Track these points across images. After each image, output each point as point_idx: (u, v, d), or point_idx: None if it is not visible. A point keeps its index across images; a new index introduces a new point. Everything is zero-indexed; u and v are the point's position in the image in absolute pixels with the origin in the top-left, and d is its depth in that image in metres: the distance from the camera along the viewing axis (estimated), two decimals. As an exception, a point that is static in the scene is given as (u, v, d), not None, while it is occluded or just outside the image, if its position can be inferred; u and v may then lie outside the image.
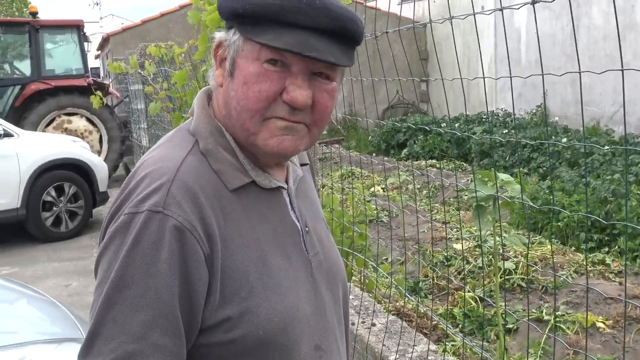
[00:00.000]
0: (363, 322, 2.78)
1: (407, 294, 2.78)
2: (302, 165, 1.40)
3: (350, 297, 3.05)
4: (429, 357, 2.42)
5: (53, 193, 7.89)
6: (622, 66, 1.15)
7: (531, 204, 2.06)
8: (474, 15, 1.79)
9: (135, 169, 1.18)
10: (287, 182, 1.29)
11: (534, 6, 1.31)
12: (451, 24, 1.88)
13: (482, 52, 13.82)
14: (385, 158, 10.49)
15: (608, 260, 4.99)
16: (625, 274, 2.13)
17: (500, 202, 2.96)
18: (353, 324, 2.81)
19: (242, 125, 1.15)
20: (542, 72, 1.47)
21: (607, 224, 1.68)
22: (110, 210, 1.14)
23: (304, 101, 1.12)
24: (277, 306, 1.14)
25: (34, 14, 11.13)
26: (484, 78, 1.70)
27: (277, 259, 1.18)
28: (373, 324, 2.75)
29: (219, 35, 1.22)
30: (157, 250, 1.04)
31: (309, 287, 1.23)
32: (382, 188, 7.90)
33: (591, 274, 4.73)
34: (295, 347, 1.17)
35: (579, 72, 1.19)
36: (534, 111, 11.98)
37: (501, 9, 1.68)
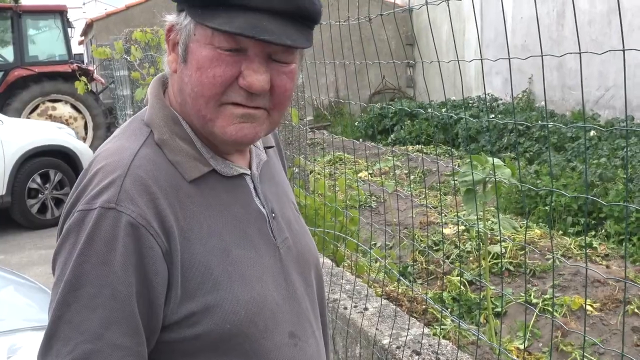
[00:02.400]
0: (355, 307, 2.79)
1: (401, 279, 2.78)
2: (267, 148, 1.36)
3: (342, 281, 3.05)
4: (423, 341, 2.43)
5: (38, 180, 7.83)
6: (623, 47, 1.14)
7: (530, 186, 2.07)
8: (448, 1, 1.77)
9: (89, 162, 1.14)
10: (250, 167, 1.25)
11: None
12: (427, 12, 1.87)
13: (469, 37, 13.82)
14: (372, 144, 10.49)
15: (595, 244, 5.03)
16: (625, 258, 2.13)
17: (490, 186, 2.98)
18: (345, 308, 2.81)
19: (198, 112, 1.11)
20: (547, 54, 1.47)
21: (608, 205, 1.69)
22: (65, 205, 1.11)
23: (260, 86, 1.08)
24: (242, 297, 1.11)
25: (16, 0, 10.98)
26: (454, 61, 1.69)
27: (241, 249, 1.15)
28: (365, 308, 2.75)
29: (170, 18, 1.17)
30: (111, 248, 1.01)
31: (277, 274, 1.20)
32: (369, 173, 7.91)
33: (578, 258, 4.76)
34: (267, 336, 1.15)
35: (579, 53, 1.18)
36: (520, 96, 12.01)
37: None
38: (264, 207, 1.23)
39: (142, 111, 1.23)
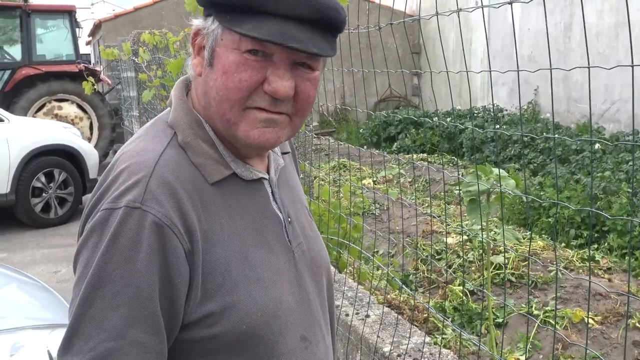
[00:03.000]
0: (357, 314, 2.79)
1: (403, 286, 2.78)
2: (283, 153, 1.38)
3: (345, 288, 3.05)
4: (424, 349, 2.43)
5: (43, 179, 7.85)
6: (632, 62, 1.15)
7: (535, 197, 2.07)
8: (458, 12, 1.78)
9: (112, 162, 1.15)
10: (268, 172, 1.27)
11: (543, 4, 1.31)
12: (437, 21, 1.88)
13: (476, 46, 13.84)
14: (377, 151, 10.50)
15: (598, 257, 5.02)
16: (629, 271, 2.14)
17: (494, 196, 2.98)
18: (347, 315, 2.81)
19: (222, 115, 1.13)
20: (553, 67, 1.47)
21: (612, 218, 1.68)
22: (87, 205, 1.11)
23: (285, 92, 1.09)
24: (259, 300, 1.12)
25: (25, -1, 11.03)
26: (458, 71, 1.70)
27: (259, 252, 1.16)
28: (367, 316, 2.75)
29: (197, 22, 1.18)
30: (136, 247, 1.02)
31: (292, 278, 1.22)
32: (373, 181, 7.91)
33: (580, 270, 4.76)
34: (280, 339, 1.16)
35: (588, 67, 1.19)
36: (525, 107, 12.01)
37: (482, 7, 1.68)
38: (280, 212, 1.25)
39: (164, 113, 1.24)
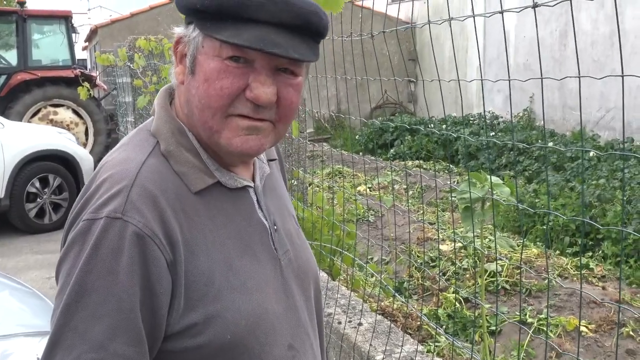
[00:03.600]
0: (350, 322, 2.78)
1: (396, 294, 2.78)
2: (270, 160, 1.37)
3: (337, 295, 3.04)
4: (417, 358, 2.42)
5: (37, 184, 7.82)
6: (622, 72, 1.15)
7: (528, 207, 2.07)
8: (450, 21, 1.78)
9: (95, 172, 1.14)
10: (253, 180, 1.26)
11: (535, 10, 1.32)
12: (430, 30, 1.88)
13: (471, 55, 13.87)
14: (372, 158, 10.50)
15: (592, 265, 5.03)
16: (620, 280, 2.14)
17: (488, 204, 2.98)
18: (340, 322, 2.80)
19: (205, 123, 1.12)
20: (561, 76, 1.47)
21: (605, 228, 1.68)
22: (70, 214, 1.11)
23: (267, 99, 1.08)
24: (243, 308, 1.11)
25: (22, 4, 11.02)
26: (458, 80, 1.70)
27: (243, 260, 1.15)
28: (360, 324, 2.74)
29: (178, 31, 1.18)
30: (117, 258, 1.01)
31: (278, 287, 1.21)
32: (368, 187, 7.91)
33: (574, 278, 4.76)
34: (266, 348, 1.15)
35: (579, 77, 1.19)
36: (520, 114, 12.04)
37: (473, 16, 1.68)
38: (266, 220, 1.24)
39: (148, 121, 1.23)
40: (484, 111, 3.01)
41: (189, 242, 1.09)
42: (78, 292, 1.01)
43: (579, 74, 1.21)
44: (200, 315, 1.08)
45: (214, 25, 1.07)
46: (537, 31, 1.29)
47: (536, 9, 1.42)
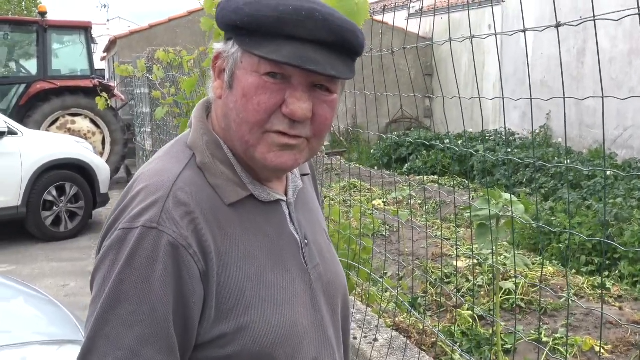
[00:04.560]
0: (365, 337, 2.77)
1: (412, 311, 2.76)
2: (303, 175, 1.38)
3: (353, 310, 3.03)
4: (432, 375, 2.41)
5: (54, 192, 7.88)
6: None
7: (545, 225, 2.06)
8: (471, 38, 1.79)
9: (132, 182, 1.17)
10: (286, 194, 1.27)
11: (558, 30, 1.32)
12: (450, 46, 1.88)
13: (489, 70, 13.85)
14: (387, 172, 10.49)
15: (608, 285, 4.98)
16: None
17: (503, 221, 2.96)
18: (355, 338, 2.79)
19: (242, 137, 1.13)
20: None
21: (625, 250, 1.67)
22: (106, 223, 1.13)
23: (303, 114, 1.09)
24: (273, 321, 1.12)
25: (43, 14, 11.14)
26: (479, 98, 1.70)
27: (274, 273, 1.16)
28: (375, 339, 2.73)
29: (217, 46, 1.20)
30: (152, 267, 1.03)
31: (307, 300, 1.22)
32: (383, 202, 7.90)
33: (591, 298, 4.72)
34: None
35: (602, 97, 1.19)
36: (537, 131, 11.99)
37: (495, 34, 1.68)
38: (297, 234, 1.25)
39: (185, 134, 1.25)
40: (505, 129, 3.00)
41: (221, 253, 1.10)
42: (112, 300, 1.02)
43: (602, 93, 1.20)
44: (230, 326, 1.09)
45: (253, 41, 1.09)
46: (559, 51, 1.29)
47: (553, 23, 1.42)
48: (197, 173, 1.15)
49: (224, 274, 1.10)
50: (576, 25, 1.23)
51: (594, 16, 1.26)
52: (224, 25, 1.15)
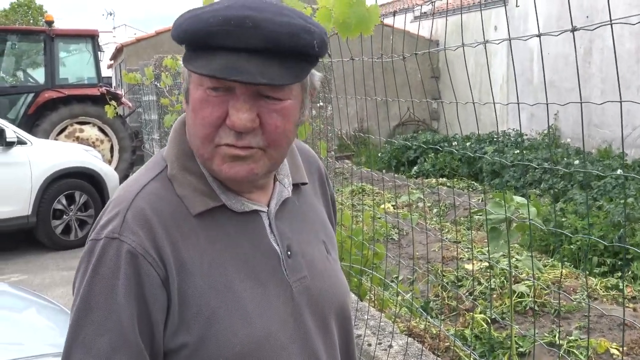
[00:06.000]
0: (380, 344, 2.75)
1: (427, 317, 2.75)
2: (302, 184, 1.34)
3: (367, 317, 3.02)
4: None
5: (64, 201, 7.89)
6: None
7: (559, 230, 2.05)
8: (485, 43, 1.77)
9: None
10: (269, 204, 1.25)
11: (573, 34, 1.30)
12: (464, 52, 1.87)
13: (495, 71, 13.82)
14: (396, 175, 10.47)
15: (622, 286, 4.94)
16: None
17: (514, 224, 2.95)
18: (370, 345, 2.78)
19: (197, 151, 1.15)
20: (582, 100, 1.45)
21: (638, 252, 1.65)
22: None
23: (242, 125, 1.08)
24: (240, 332, 1.11)
25: (49, 23, 11.20)
26: (494, 103, 1.69)
27: (245, 284, 1.15)
28: (390, 346, 2.72)
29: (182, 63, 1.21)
30: (115, 276, 1.07)
31: (286, 313, 1.19)
32: (392, 205, 7.88)
33: (604, 299, 4.69)
34: None
35: (620, 102, 1.17)
36: (545, 132, 11.95)
37: (509, 39, 1.67)
38: (278, 245, 1.22)
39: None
40: (519, 131, 2.98)
41: (184, 261, 1.12)
42: (83, 309, 1.07)
43: (620, 98, 1.19)
44: (193, 337, 1.10)
45: (191, 55, 1.09)
46: (575, 55, 1.27)
47: (559, 24, 1.41)
48: (165, 184, 1.18)
49: (187, 283, 1.11)
50: (593, 29, 1.22)
51: (610, 20, 1.25)
52: (175, 41, 1.16)
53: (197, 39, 1.07)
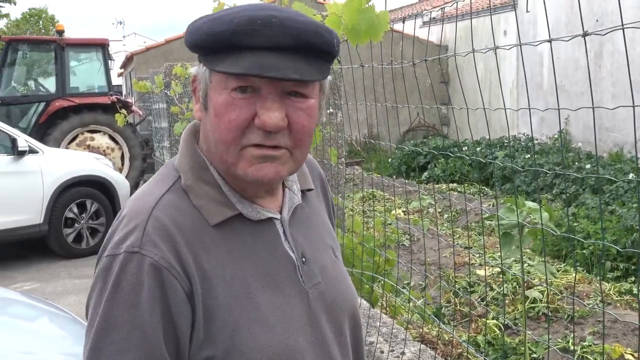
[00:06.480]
0: (392, 351, 2.74)
1: (440, 324, 2.73)
2: (307, 190, 1.35)
3: (379, 324, 3.00)
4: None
5: (75, 209, 7.92)
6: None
7: (571, 235, 2.03)
8: (495, 49, 1.77)
9: (123, 206, 1.18)
10: (281, 211, 1.25)
11: (584, 38, 1.30)
12: (474, 57, 1.86)
13: (504, 76, 13.79)
14: (406, 181, 10.45)
15: (635, 290, 4.91)
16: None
17: (527, 230, 2.93)
18: (382, 352, 2.76)
19: (221, 157, 1.13)
20: (594, 104, 1.44)
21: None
22: (100, 249, 1.14)
23: (273, 123, 1.07)
24: (263, 342, 1.10)
25: (60, 33, 11.27)
26: (505, 109, 1.68)
27: (265, 293, 1.14)
28: (403, 353, 2.70)
29: (193, 70, 1.20)
30: (138, 291, 1.04)
31: (304, 320, 1.18)
32: (403, 211, 7.86)
33: (618, 304, 4.65)
34: None
35: (633, 106, 1.16)
36: (555, 136, 11.90)
37: (519, 44, 1.66)
38: (293, 252, 1.22)
39: (176, 156, 1.25)
40: (531, 136, 2.97)
41: (207, 273, 1.10)
42: (104, 328, 1.03)
43: (633, 102, 1.18)
44: (218, 349, 1.08)
45: (215, 58, 1.08)
46: (587, 60, 1.26)
47: (568, 29, 1.41)
48: (181, 195, 1.15)
49: (210, 295, 1.09)
50: (604, 34, 1.21)
51: (622, 24, 1.24)
52: (190, 47, 1.15)
53: (221, 40, 1.06)
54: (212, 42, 1.07)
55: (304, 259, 1.23)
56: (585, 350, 3.92)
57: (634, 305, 4.66)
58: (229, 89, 1.08)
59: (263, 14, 1.05)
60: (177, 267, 1.06)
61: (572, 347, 3.95)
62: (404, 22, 2.63)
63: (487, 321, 4.35)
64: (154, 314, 1.04)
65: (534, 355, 3.84)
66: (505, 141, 11.90)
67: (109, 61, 11.71)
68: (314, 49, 1.08)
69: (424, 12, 17.48)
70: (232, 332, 1.08)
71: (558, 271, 5.22)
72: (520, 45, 1.53)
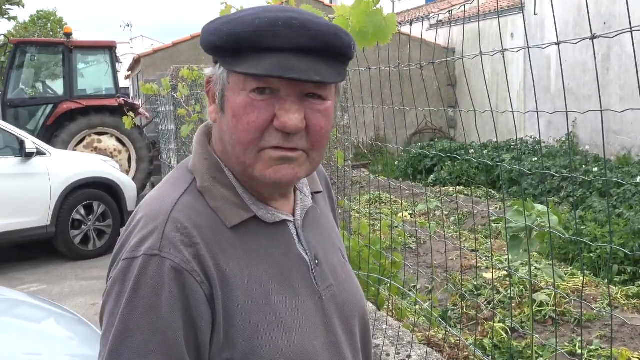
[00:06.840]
0: (398, 354, 2.73)
1: (447, 327, 2.72)
2: (315, 193, 1.35)
3: (385, 326, 3.00)
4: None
5: (82, 211, 7.95)
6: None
7: (581, 240, 2.03)
8: (503, 52, 1.77)
9: (135, 210, 1.16)
10: (294, 214, 1.25)
11: (592, 41, 1.29)
12: (481, 60, 1.86)
13: (512, 79, 13.76)
14: (413, 183, 10.44)
15: (642, 294, 4.89)
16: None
17: (535, 233, 2.92)
18: (388, 355, 2.76)
19: (238, 158, 1.12)
20: (603, 107, 1.44)
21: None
22: (113, 253, 1.13)
23: (293, 125, 1.07)
24: (281, 345, 1.10)
25: (68, 35, 11.31)
26: (513, 112, 1.67)
27: (282, 296, 1.14)
28: (409, 356, 2.70)
29: (208, 71, 1.19)
30: (158, 294, 1.02)
31: (319, 322, 1.19)
32: (409, 214, 7.86)
33: (625, 308, 4.63)
34: None
35: (642, 109, 1.16)
36: (563, 139, 11.87)
37: (527, 47, 1.66)
38: (306, 254, 1.22)
39: (188, 158, 1.25)
40: (539, 139, 2.97)
41: (225, 276, 1.09)
42: (123, 331, 1.02)
43: (641, 104, 1.17)
44: (238, 351, 1.07)
45: (235, 59, 1.08)
46: (595, 63, 1.26)
47: (576, 31, 1.40)
48: (197, 197, 1.14)
49: (229, 298, 1.08)
50: (612, 37, 1.21)
51: (631, 27, 1.24)
52: (207, 49, 1.14)
53: (242, 41, 1.06)
54: (232, 43, 1.07)
55: (316, 261, 1.23)
56: (592, 354, 3.91)
57: (641, 309, 4.64)
58: (247, 90, 1.08)
59: (283, 16, 1.05)
60: (198, 269, 1.05)
61: (579, 351, 3.94)
62: (411, 25, 2.63)
63: (494, 324, 4.33)
64: (174, 317, 1.02)
65: (541, 359, 3.83)
66: (513, 144, 11.88)
67: (117, 64, 11.75)
68: (333, 51, 1.08)
69: (432, 15, 17.48)
70: (251, 335, 1.08)
71: (565, 274, 5.20)
72: (528, 48, 1.53)
